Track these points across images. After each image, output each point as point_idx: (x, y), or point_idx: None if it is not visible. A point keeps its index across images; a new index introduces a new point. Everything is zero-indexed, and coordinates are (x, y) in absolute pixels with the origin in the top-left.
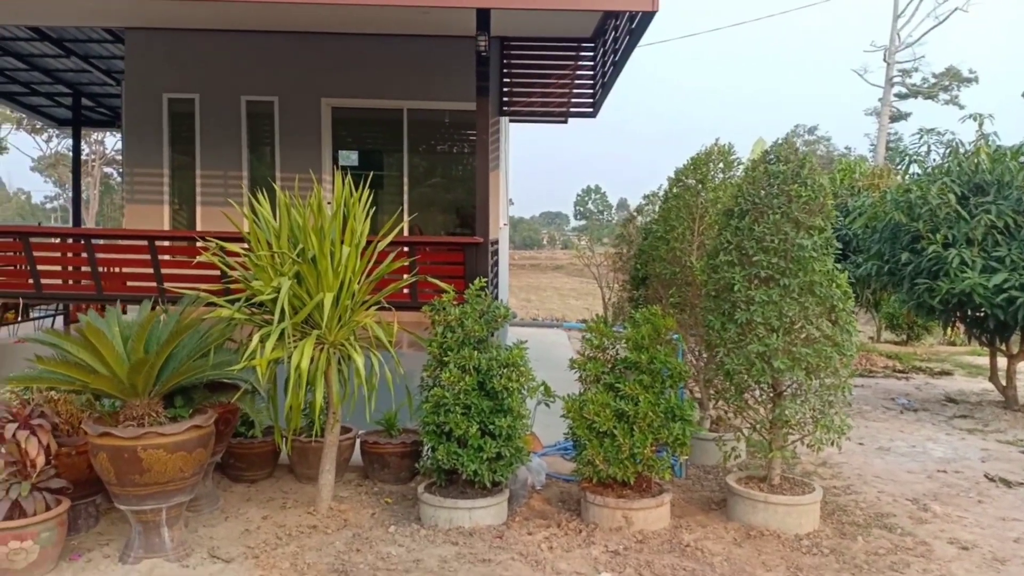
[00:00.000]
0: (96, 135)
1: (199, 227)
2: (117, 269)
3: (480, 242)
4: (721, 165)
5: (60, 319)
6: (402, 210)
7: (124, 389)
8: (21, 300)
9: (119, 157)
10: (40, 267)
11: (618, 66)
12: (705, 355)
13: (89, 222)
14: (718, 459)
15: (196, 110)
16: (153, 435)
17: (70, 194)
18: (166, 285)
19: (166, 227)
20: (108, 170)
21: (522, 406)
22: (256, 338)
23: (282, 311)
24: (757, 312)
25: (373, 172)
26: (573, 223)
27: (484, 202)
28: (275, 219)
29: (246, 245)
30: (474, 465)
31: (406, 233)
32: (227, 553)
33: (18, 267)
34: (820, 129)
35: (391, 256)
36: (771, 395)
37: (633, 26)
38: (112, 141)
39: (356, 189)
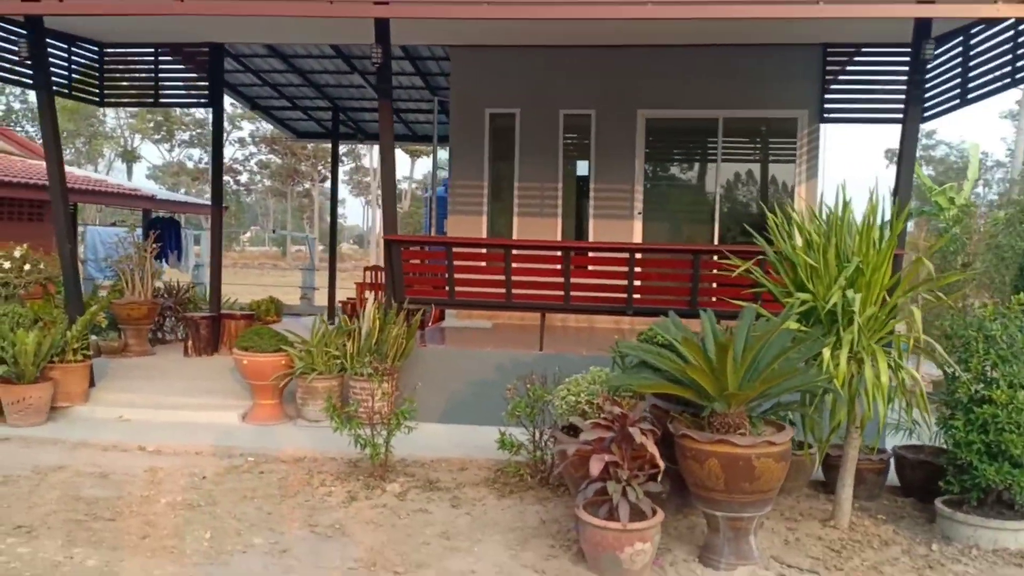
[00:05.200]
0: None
1: (515, 237)
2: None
3: None
4: None
5: None
6: (713, 219)
7: (729, 397)
8: (434, 307)
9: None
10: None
11: None
12: None
13: None
14: None
15: (516, 124)
16: (765, 444)
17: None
18: (580, 293)
19: (484, 236)
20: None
21: None
22: (827, 352)
23: (835, 321)
24: None
25: (680, 181)
26: None
27: None
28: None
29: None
30: None
31: None
32: (795, 562)
33: (424, 275)
34: None
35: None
36: None
37: None
38: None
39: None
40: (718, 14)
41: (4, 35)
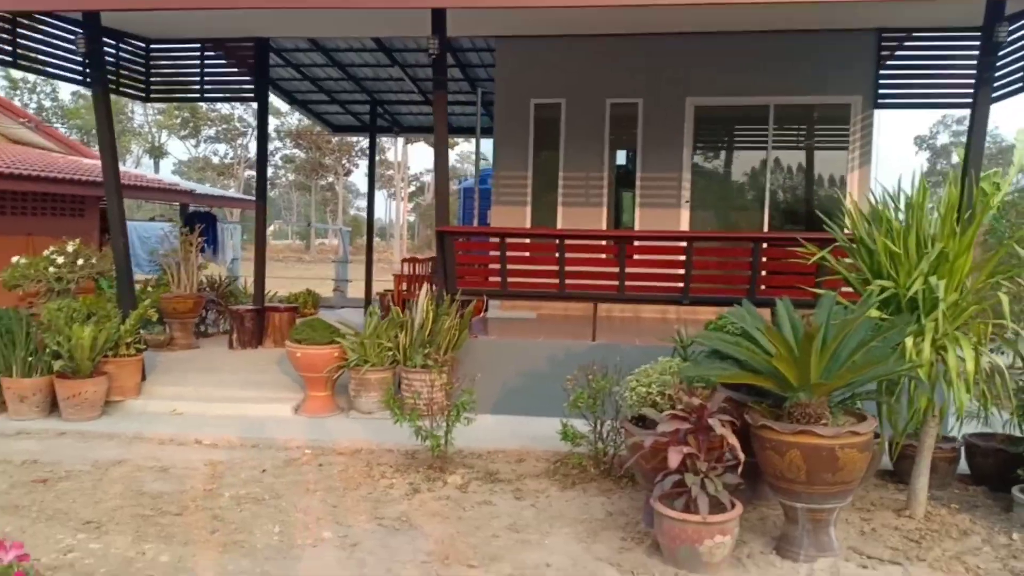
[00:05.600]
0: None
1: (560, 227)
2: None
3: None
4: None
5: None
6: (763, 206)
7: (813, 387)
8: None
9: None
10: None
11: None
12: None
13: None
14: None
15: (562, 114)
16: (848, 434)
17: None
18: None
19: (528, 226)
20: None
21: None
22: (909, 340)
23: (915, 308)
24: None
25: (728, 169)
26: None
27: None
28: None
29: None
30: None
31: None
32: (875, 552)
33: (476, 266)
34: None
35: None
36: None
37: None
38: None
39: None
40: None
41: (59, 33)
